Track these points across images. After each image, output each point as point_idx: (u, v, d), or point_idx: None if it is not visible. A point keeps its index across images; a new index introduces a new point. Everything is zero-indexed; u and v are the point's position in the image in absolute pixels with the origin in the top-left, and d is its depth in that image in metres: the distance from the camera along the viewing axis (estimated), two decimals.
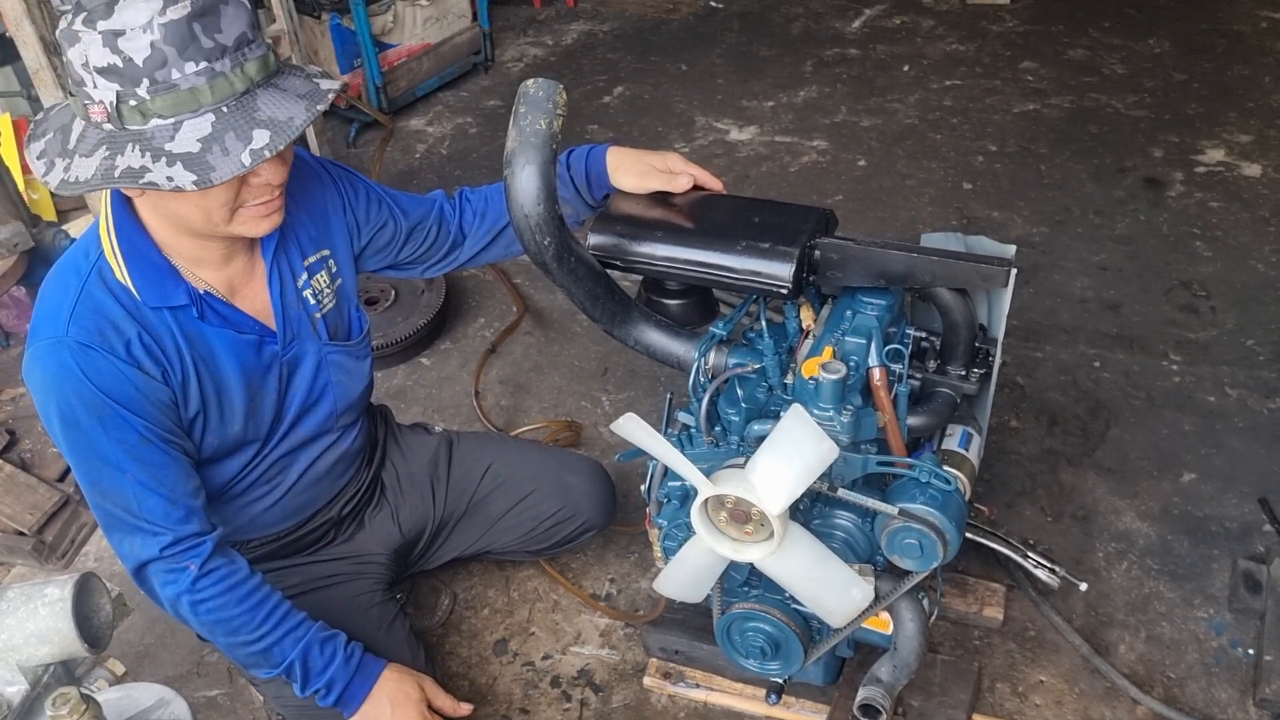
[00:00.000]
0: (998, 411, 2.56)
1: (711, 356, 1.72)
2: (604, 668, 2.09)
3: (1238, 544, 2.21)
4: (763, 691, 1.85)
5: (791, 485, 1.41)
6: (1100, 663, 2.02)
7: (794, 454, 1.40)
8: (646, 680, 2.04)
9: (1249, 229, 3.12)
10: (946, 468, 1.56)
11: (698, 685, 2.01)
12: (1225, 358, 2.67)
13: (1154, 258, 3.04)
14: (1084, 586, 1.98)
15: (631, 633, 2.15)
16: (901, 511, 1.46)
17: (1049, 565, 2.03)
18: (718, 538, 1.52)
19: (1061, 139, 3.64)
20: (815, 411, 1.51)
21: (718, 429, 1.68)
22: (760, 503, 1.43)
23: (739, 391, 1.67)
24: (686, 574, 1.61)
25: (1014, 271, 1.57)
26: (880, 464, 1.50)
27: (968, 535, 2.06)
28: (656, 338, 1.78)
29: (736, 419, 1.65)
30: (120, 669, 1.24)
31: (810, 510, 1.62)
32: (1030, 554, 2.01)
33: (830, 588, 1.52)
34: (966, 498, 1.68)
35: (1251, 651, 2.02)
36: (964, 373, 1.68)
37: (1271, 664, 1.96)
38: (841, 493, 1.48)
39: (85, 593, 1.08)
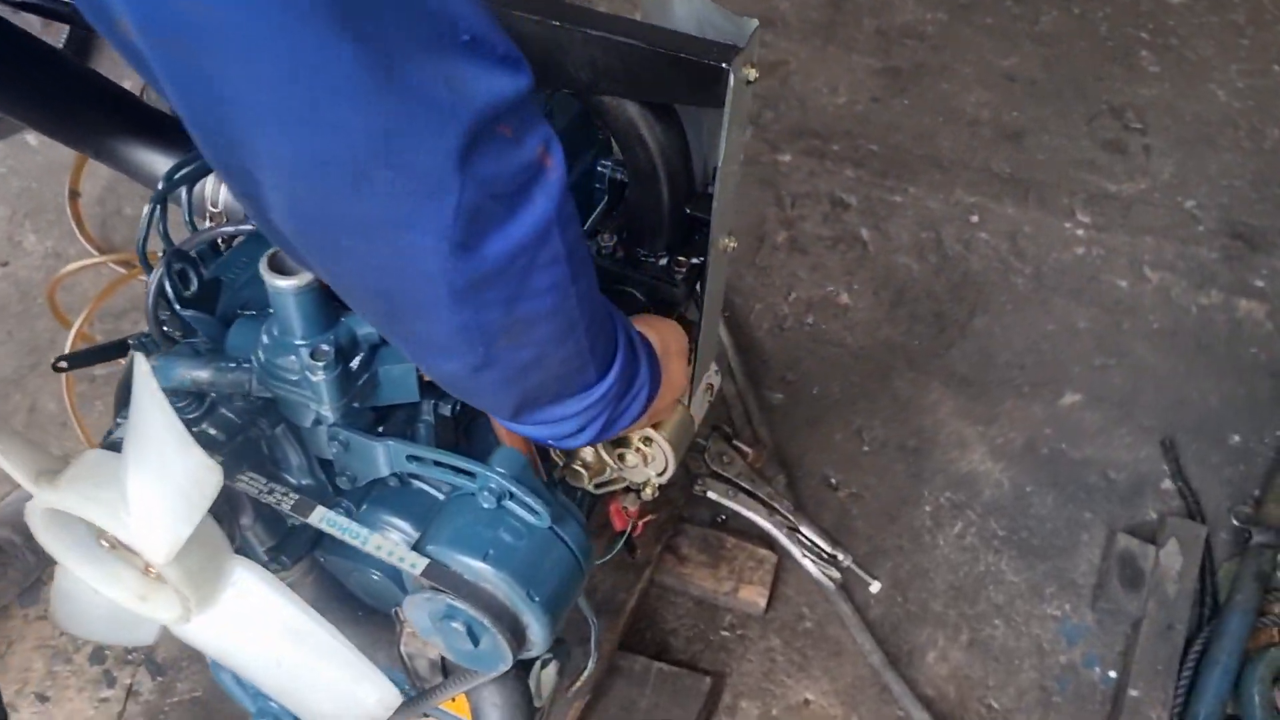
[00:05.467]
0: (822, 280, 1.80)
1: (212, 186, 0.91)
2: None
3: (1121, 507, 1.54)
4: None
5: (171, 521, 0.65)
6: (893, 679, 1.36)
7: (161, 469, 0.63)
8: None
9: (1214, 38, 2.30)
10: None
11: None
12: (1152, 223, 1.92)
13: (1081, 68, 2.23)
14: (875, 587, 1.32)
15: None
16: (429, 570, 0.70)
17: (829, 553, 1.34)
18: (108, 575, 0.76)
19: None
20: (275, 340, 0.72)
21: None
22: (134, 542, 0.67)
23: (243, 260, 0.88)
24: (87, 609, 0.85)
25: (751, 73, 0.76)
26: (413, 459, 0.73)
27: (713, 497, 1.35)
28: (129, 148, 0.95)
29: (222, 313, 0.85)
30: None
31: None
32: (801, 530, 1.32)
33: (318, 686, 0.78)
34: (651, 490, 0.94)
35: (1113, 675, 1.39)
36: (663, 259, 0.90)
37: (1138, 702, 1.33)
38: (323, 524, 0.71)
39: None
